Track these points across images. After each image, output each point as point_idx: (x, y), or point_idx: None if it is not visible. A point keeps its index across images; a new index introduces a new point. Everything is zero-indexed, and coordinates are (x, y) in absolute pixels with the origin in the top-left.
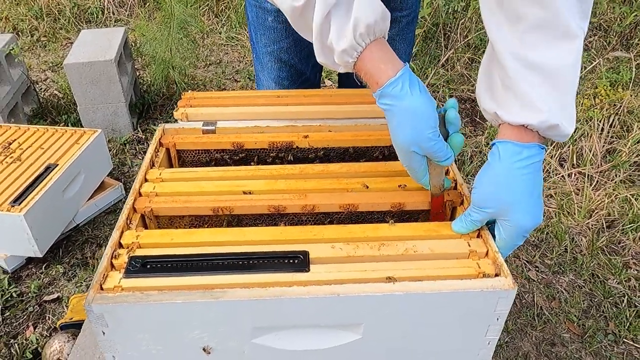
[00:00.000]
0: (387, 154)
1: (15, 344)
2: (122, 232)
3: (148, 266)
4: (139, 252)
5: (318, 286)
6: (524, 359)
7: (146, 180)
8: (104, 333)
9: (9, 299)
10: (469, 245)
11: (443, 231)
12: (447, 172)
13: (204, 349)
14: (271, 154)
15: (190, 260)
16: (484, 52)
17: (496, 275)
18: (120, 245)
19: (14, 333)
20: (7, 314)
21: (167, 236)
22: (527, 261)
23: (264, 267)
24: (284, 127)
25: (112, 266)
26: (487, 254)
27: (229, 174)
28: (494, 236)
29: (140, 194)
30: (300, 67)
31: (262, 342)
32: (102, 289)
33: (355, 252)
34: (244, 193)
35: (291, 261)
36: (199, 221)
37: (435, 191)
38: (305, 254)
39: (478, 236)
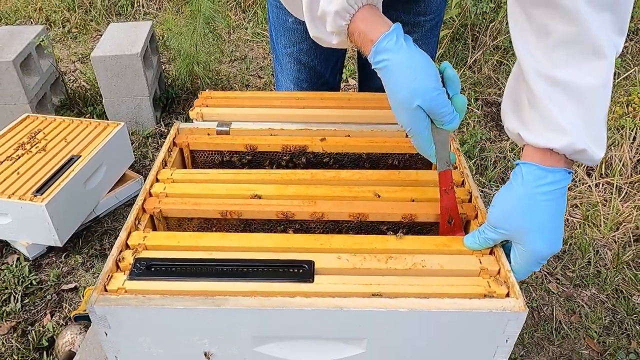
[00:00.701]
0: (402, 162)
1: (33, 331)
2: (129, 233)
3: (152, 269)
4: (145, 254)
5: (321, 298)
6: None
7: (157, 180)
8: (106, 334)
9: (29, 286)
10: (480, 262)
11: (454, 246)
12: (462, 183)
13: (205, 354)
14: (284, 157)
15: (195, 265)
16: (512, 54)
17: (507, 295)
18: (127, 246)
19: (32, 320)
20: (27, 300)
21: (173, 239)
22: (547, 272)
23: (268, 275)
24: (298, 130)
25: (118, 267)
26: (499, 272)
27: (240, 177)
28: (508, 256)
29: (150, 194)
30: (319, 70)
31: (263, 350)
32: (105, 290)
33: (362, 264)
34: (254, 197)
35: (296, 270)
36: (207, 224)
37: (442, 165)
38: (311, 263)
39: (490, 253)
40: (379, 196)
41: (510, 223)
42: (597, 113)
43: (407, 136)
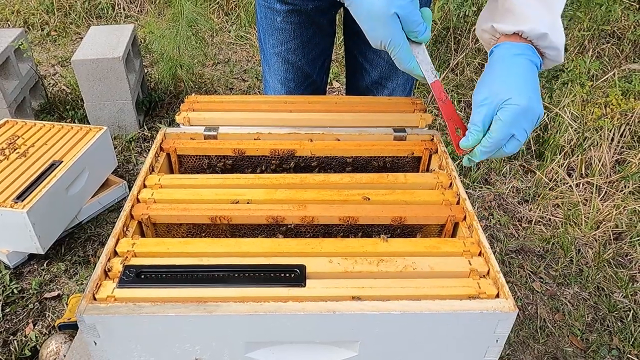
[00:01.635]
0: (390, 165)
1: (15, 341)
2: (117, 240)
3: (142, 276)
4: (134, 261)
5: (314, 302)
6: None
7: (145, 186)
8: (95, 343)
9: (10, 295)
10: (470, 263)
11: (444, 248)
12: (450, 185)
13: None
14: (273, 162)
15: (185, 272)
16: None
17: (497, 296)
18: (116, 253)
19: (14, 330)
20: (7, 310)
21: (162, 245)
22: (531, 272)
23: (259, 280)
24: (287, 134)
25: (106, 275)
26: (488, 273)
27: (229, 182)
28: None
29: (138, 200)
30: (306, 70)
31: (256, 356)
32: (94, 298)
33: (354, 267)
34: (243, 202)
35: (287, 275)
36: (197, 229)
37: (430, 75)
38: (302, 268)
39: (479, 254)
40: (369, 199)
41: (492, 87)
42: (555, 9)
43: (385, 50)
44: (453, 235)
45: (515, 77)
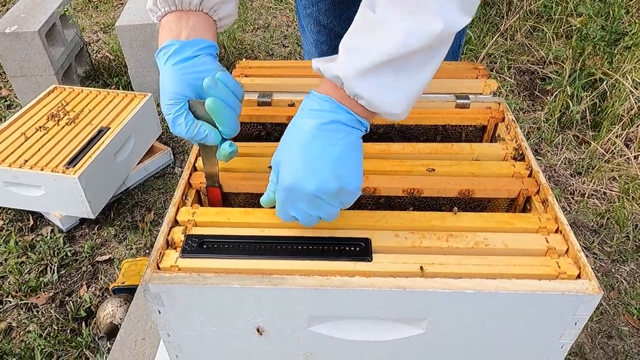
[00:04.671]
0: (452, 134)
1: (70, 302)
2: (178, 209)
3: (205, 246)
4: (195, 231)
5: (382, 278)
6: (578, 349)
7: None
8: (159, 312)
9: (64, 257)
10: (547, 241)
11: (517, 224)
12: (522, 157)
13: (257, 329)
14: None
15: (248, 242)
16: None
17: (578, 277)
18: (177, 222)
19: (69, 291)
20: (63, 272)
21: (223, 215)
22: (584, 247)
23: (324, 253)
24: None
25: (168, 244)
26: (567, 251)
27: None
28: None
29: (195, 169)
30: (339, 31)
31: (319, 330)
32: (159, 268)
33: (422, 242)
34: None
35: (352, 249)
36: (254, 199)
37: (209, 181)
38: (367, 241)
39: (557, 231)
40: (434, 170)
41: (279, 152)
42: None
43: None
44: (523, 210)
45: (293, 146)
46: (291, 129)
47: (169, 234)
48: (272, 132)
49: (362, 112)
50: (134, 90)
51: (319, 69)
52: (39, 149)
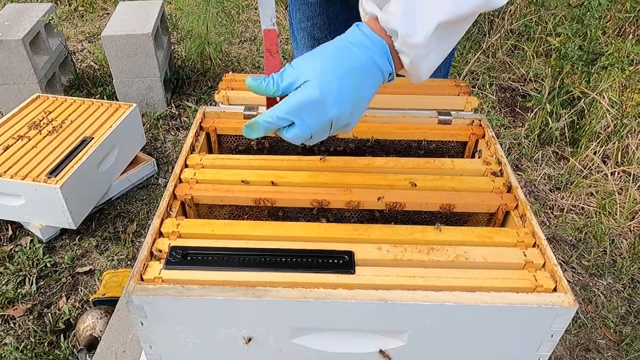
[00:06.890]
0: (434, 149)
1: (49, 314)
2: (162, 220)
3: (189, 258)
4: (180, 242)
5: (365, 290)
6: None
7: (186, 166)
8: (142, 324)
9: (44, 268)
10: (525, 255)
11: (497, 238)
12: (500, 172)
13: (243, 337)
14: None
15: (232, 254)
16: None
17: (554, 290)
18: (161, 234)
19: (48, 303)
20: (42, 283)
21: (207, 227)
22: (563, 261)
23: (308, 266)
24: None
25: (152, 255)
26: (544, 265)
27: (271, 164)
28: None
29: (180, 180)
30: None
31: (301, 342)
32: (142, 279)
33: (403, 255)
34: (286, 185)
35: (335, 261)
36: (239, 211)
37: (266, 21)
38: (351, 254)
39: (534, 245)
40: (416, 185)
41: (306, 62)
42: (429, 19)
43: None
44: (502, 225)
45: (331, 66)
46: (332, 47)
47: (153, 245)
48: (257, 144)
49: (398, 65)
50: (118, 100)
51: (375, 15)
52: (20, 158)
